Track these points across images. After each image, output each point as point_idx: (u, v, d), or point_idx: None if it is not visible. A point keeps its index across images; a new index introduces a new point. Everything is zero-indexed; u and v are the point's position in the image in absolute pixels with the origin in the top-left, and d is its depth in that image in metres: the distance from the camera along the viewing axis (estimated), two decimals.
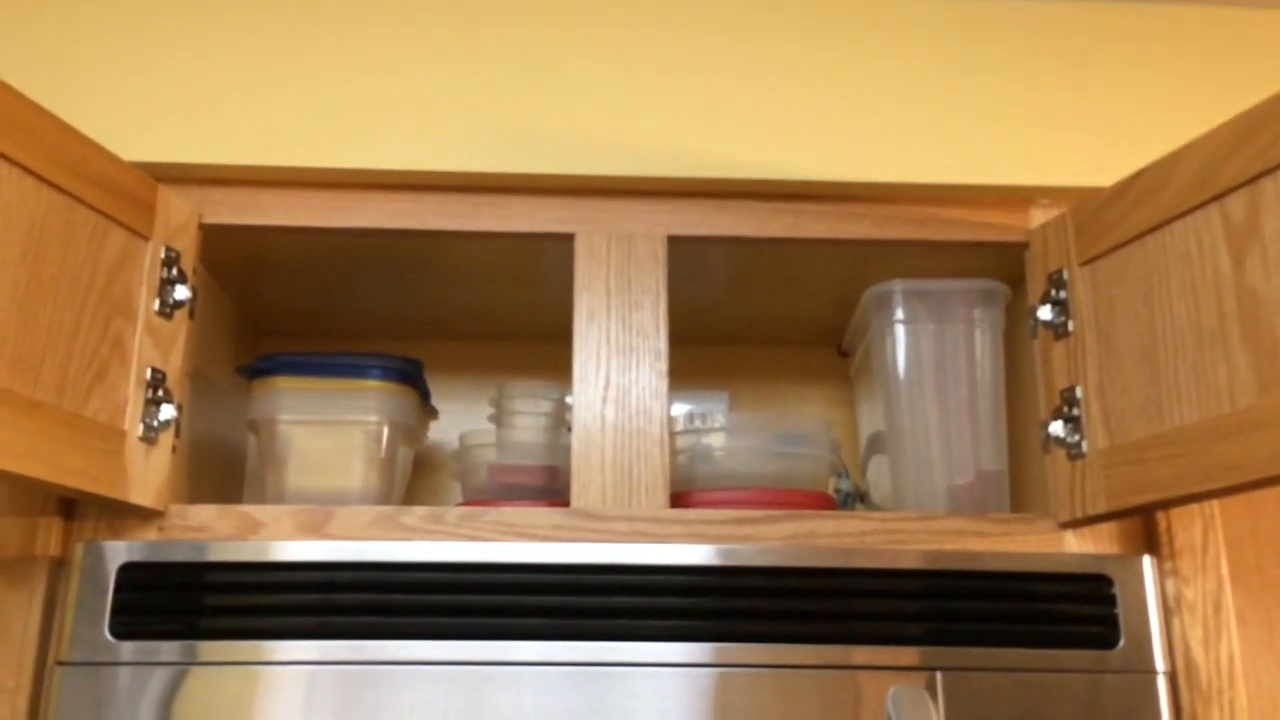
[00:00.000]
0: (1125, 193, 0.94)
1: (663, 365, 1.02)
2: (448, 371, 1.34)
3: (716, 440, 1.09)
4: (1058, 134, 1.07)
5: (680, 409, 1.29)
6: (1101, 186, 1.03)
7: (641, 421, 1.00)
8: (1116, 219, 0.94)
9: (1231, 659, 0.92)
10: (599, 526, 0.96)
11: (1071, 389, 0.97)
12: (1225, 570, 0.95)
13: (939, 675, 0.89)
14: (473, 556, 0.92)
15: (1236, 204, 0.84)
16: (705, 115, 1.07)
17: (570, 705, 0.87)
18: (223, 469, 1.18)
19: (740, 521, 0.97)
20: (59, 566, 0.93)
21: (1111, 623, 0.91)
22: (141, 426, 0.93)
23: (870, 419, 1.19)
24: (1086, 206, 0.98)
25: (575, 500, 0.98)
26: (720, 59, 1.09)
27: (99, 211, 0.91)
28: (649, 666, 0.89)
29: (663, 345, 1.02)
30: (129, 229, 0.94)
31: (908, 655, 0.90)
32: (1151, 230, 0.91)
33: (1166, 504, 0.88)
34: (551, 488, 1.11)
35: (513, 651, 0.89)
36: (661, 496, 0.98)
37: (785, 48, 1.10)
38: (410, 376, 1.11)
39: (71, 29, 1.06)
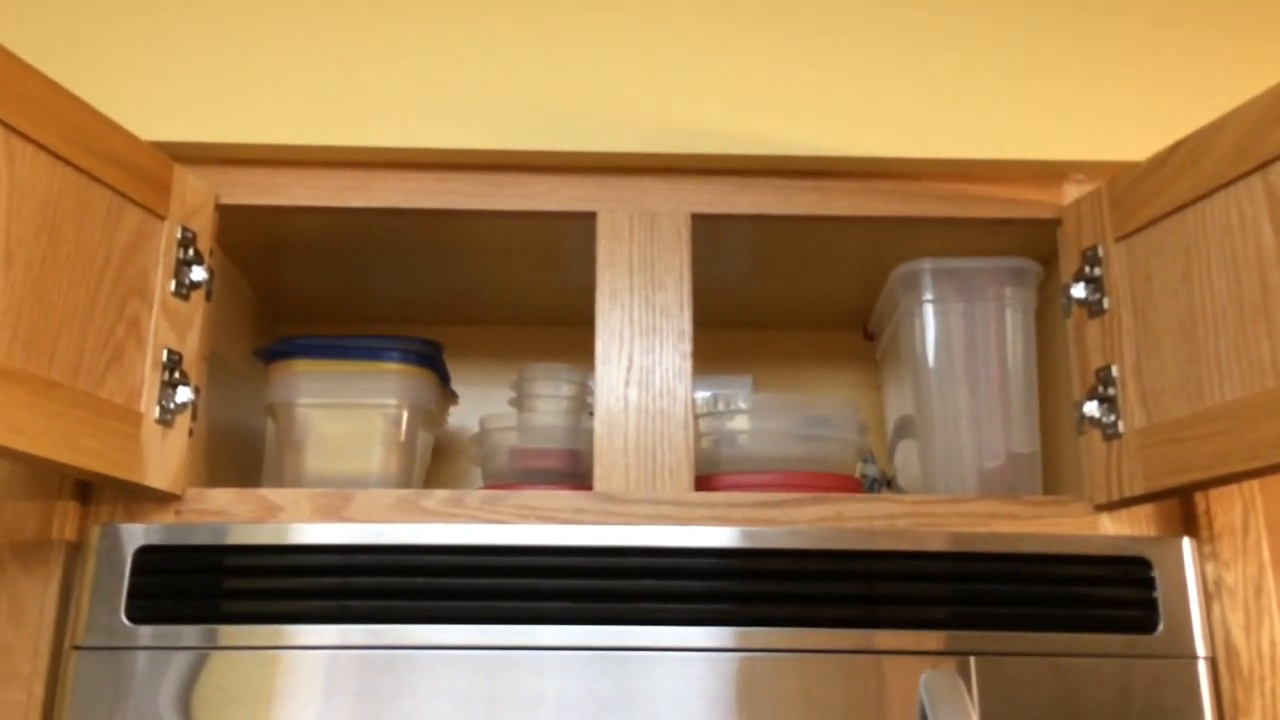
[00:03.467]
0: (1163, 165, 0.91)
1: (686, 346, 1.00)
2: (469, 356, 1.32)
3: (741, 423, 1.07)
4: (1092, 107, 1.04)
5: (704, 393, 1.27)
6: (1137, 161, 1.00)
7: (665, 403, 0.98)
8: (1153, 192, 0.92)
9: (1274, 645, 0.89)
10: (622, 510, 0.94)
11: (1107, 368, 0.95)
12: (1267, 554, 0.92)
13: (972, 660, 0.87)
14: (495, 539, 0.90)
15: None
16: (729, 91, 1.04)
17: (594, 690, 0.86)
18: (242, 454, 1.17)
19: (766, 505, 0.95)
20: (75, 551, 0.91)
21: (1150, 606, 0.89)
22: (158, 409, 0.92)
23: (897, 403, 1.17)
24: (1122, 180, 0.95)
25: (598, 483, 0.96)
26: (743, 34, 1.07)
27: (114, 190, 0.90)
28: (674, 651, 0.87)
29: (686, 325, 1.00)
30: (145, 208, 0.93)
31: (940, 640, 0.88)
32: (1191, 203, 0.88)
33: (1207, 484, 0.86)
34: (574, 472, 1.09)
35: (535, 636, 0.87)
36: (686, 479, 0.96)
37: (810, 22, 1.07)
38: (430, 359, 1.10)
39: (89, 7, 1.05)
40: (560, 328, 1.33)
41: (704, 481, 1.02)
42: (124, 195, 0.91)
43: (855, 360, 1.34)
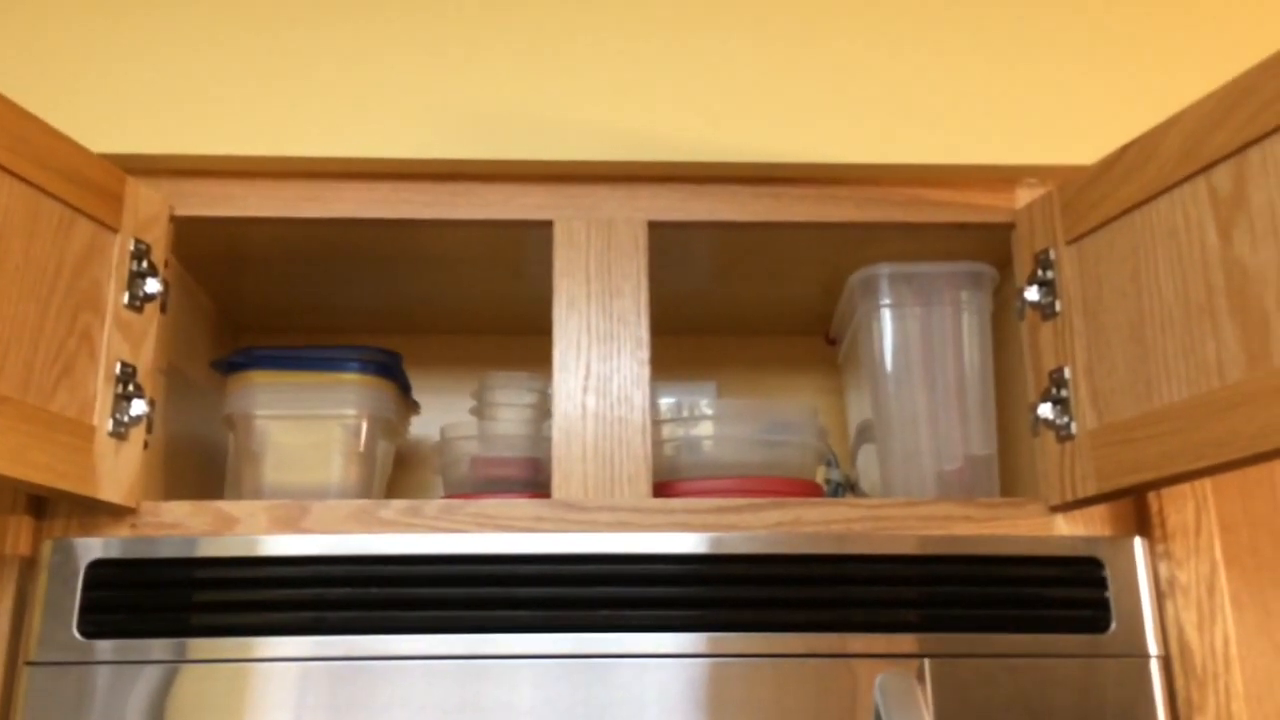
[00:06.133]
0: (1111, 168, 0.92)
1: (644, 353, 1.00)
2: (430, 365, 1.32)
3: (703, 429, 1.07)
4: (1043, 112, 1.05)
5: (668, 399, 1.28)
6: (1088, 164, 1.01)
7: (623, 410, 0.98)
8: (1102, 195, 0.93)
9: (1226, 642, 0.90)
10: (580, 517, 0.94)
11: (1060, 370, 0.95)
12: (1219, 552, 0.93)
13: (927, 662, 0.87)
14: (452, 549, 0.90)
15: (1223, 176, 0.82)
16: (683, 99, 1.05)
17: (562, 698, 0.86)
18: (203, 466, 1.16)
19: (724, 510, 0.95)
20: (29, 566, 0.91)
21: (1102, 606, 0.89)
22: (111, 422, 0.91)
23: (859, 407, 1.18)
24: (1073, 184, 0.96)
25: (556, 491, 0.96)
26: (698, 42, 1.07)
27: (65, 203, 0.89)
28: (637, 658, 0.87)
29: (644, 333, 1.00)
30: (96, 221, 0.93)
31: (895, 642, 0.88)
32: (1138, 205, 0.89)
33: (1157, 484, 0.87)
34: (535, 480, 1.09)
35: (494, 644, 0.87)
36: (644, 486, 0.96)
37: (764, 31, 1.08)
38: (389, 369, 1.09)
39: (40, 19, 1.05)
40: (521, 336, 1.33)
41: (663, 488, 1.03)
42: (75, 208, 0.90)
43: (818, 365, 1.35)
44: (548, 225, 1.03)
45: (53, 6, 1.05)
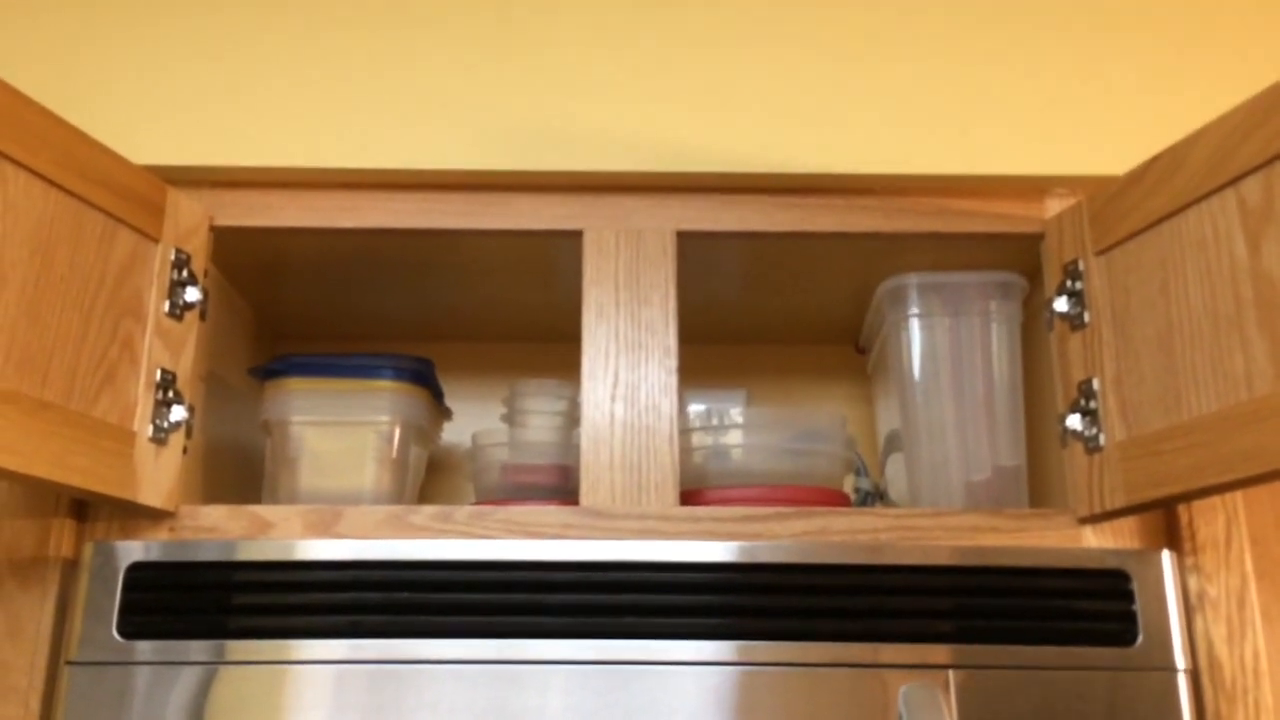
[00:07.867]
0: (1140, 179, 0.92)
1: (672, 361, 1.01)
2: (463, 373, 1.33)
3: (732, 438, 1.08)
4: (1073, 121, 1.05)
5: (697, 408, 1.28)
6: (1117, 175, 1.01)
7: (651, 419, 0.99)
8: (1131, 206, 0.92)
9: (1256, 657, 0.90)
10: (608, 525, 0.95)
11: (1088, 381, 0.95)
12: (1249, 566, 0.92)
13: (951, 673, 0.87)
14: (482, 555, 0.91)
15: (1252, 187, 0.82)
16: (712, 109, 1.06)
17: (590, 703, 0.87)
18: (242, 471, 1.19)
19: (750, 519, 0.96)
20: (71, 568, 0.93)
21: (1129, 619, 0.89)
22: (151, 428, 0.94)
23: (888, 416, 1.18)
24: (1101, 195, 0.96)
25: (584, 498, 0.97)
26: (726, 51, 1.08)
27: (107, 214, 0.92)
28: (664, 665, 0.88)
29: (672, 341, 1.01)
30: (138, 231, 0.95)
31: (921, 652, 0.88)
32: (1167, 217, 0.89)
33: (1185, 497, 0.86)
34: (564, 487, 1.10)
35: (529, 650, 0.88)
36: (671, 494, 0.97)
37: (792, 41, 1.08)
38: (422, 376, 1.11)
39: (80, 32, 1.07)
40: (551, 344, 1.34)
41: (690, 496, 1.03)
42: (117, 219, 0.93)
43: (848, 374, 1.35)
44: (578, 235, 1.05)
45: (93, 20, 1.08)
